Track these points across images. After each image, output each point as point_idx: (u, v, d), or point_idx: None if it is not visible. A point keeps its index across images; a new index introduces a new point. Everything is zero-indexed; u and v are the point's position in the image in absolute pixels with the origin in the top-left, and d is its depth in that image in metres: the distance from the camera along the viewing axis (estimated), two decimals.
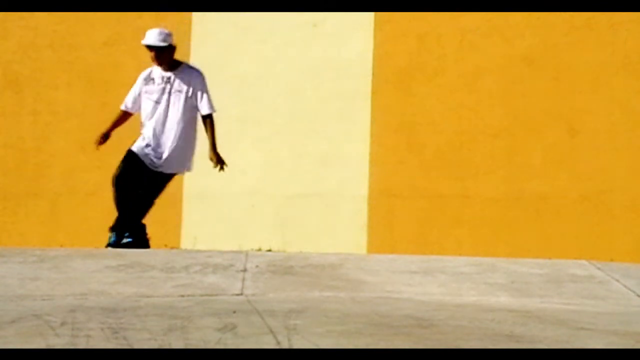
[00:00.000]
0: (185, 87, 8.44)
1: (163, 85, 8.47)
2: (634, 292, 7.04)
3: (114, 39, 10.60)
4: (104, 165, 10.53)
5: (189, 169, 8.70)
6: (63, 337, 5.00)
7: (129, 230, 8.53)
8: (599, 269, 7.72)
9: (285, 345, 4.92)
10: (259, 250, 9.54)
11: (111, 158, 10.55)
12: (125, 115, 8.72)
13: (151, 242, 8.82)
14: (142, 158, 8.48)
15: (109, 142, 10.56)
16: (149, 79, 8.56)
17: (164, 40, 8.46)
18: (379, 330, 5.42)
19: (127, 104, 8.66)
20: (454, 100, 10.41)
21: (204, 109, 8.48)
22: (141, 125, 8.67)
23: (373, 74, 10.48)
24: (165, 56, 8.50)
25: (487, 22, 10.40)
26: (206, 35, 10.50)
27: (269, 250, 9.68)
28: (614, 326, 5.79)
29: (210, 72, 10.20)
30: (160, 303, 6.09)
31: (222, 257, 7.71)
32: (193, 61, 10.44)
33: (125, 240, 8.53)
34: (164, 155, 8.47)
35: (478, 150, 10.36)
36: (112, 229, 8.59)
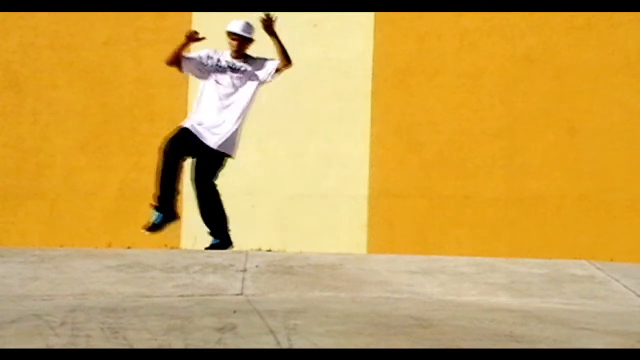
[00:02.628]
0: (253, 75, 8.55)
1: (230, 72, 8.56)
2: (634, 292, 7.04)
3: (114, 39, 10.60)
4: (104, 165, 10.55)
5: (234, 154, 8.71)
6: (63, 337, 5.00)
7: (219, 232, 8.56)
8: (599, 269, 7.71)
9: (285, 345, 4.92)
10: (259, 250, 9.53)
11: (111, 158, 10.58)
12: (179, 60, 8.64)
13: (151, 242, 8.81)
14: (195, 132, 8.50)
15: (109, 142, 10.59)
16: (214, 58, 8.61)
17: (249, 32, 8.60)
18: (379, 330, 5.41)
19: (185, 57, 8.62)
20: (454, 100, 10.41)
21: (272, 71, 8.52)
22: (197, 102, 8.65)
23: (373, 74, 10.49)
24: (244, 47, 8.63)
25: (487, 22, 10.40)
26: (206, 35, 10.50)
27: (269, 250, 9.67)
28: (614, 326, 5.78)
29: None
30: (160, 303, 6.09)
31: (222, 257, 7.71)
32: None
33: (213, 242, 8.58)
34: (219, 133, 8.51)
35: (478, 150, 10.37)
36: (157, 208, 8.56)
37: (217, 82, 8.60)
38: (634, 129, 10.25)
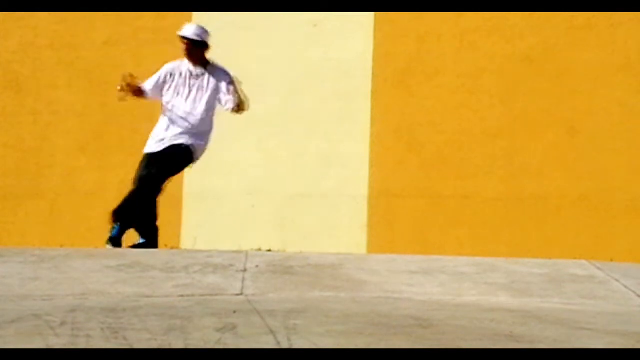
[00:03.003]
0: (211, 85, 8.50)
1: (189, 80, 8.53)
2: (634, 292, 7.04)
3: (114, 39, 10.61)
4: (104, 165, 10.55)
5: (197, 157, 8.65)
6: (63, 337, 5.00)
7: (143, 230, 8.50)
8: (599, 269, 7.71)
9: (285, 345, 4.92)
10: (259, 250, 9.53)
11: (111, 158, 10.58)
12: (142, 92, 8.68)
13: None
14: (157, 147, 8.48)
15: (109, 142, 10.60)
16: (174, 72, 8.60)
17: (199, 36, 8.55)
18: (379, 330, 5.42)
19: (145, 86, 8.66)
20: (454, 100, 10.42)
21: (228, 104, 8.47)
22: (161, 115, 8.65)
23: (373, 74, 10.49)
24: (197, 52, 8.57)
25: (487, 22, 10.40)
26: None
27: (269, 250, 9.67)
28: (614, 326, 5.79)
29: None
30: (160, 303, 6.09)
31: (222, 257, 7.71)
32: None
33: (139, 242, 8.54)
34: (178, 134, 8.48)
35: (478, 150, 10.37)
36: (116, 219, 8.50)
37: (177, 93, 8.57)
38: (634, 129, 10.25)
